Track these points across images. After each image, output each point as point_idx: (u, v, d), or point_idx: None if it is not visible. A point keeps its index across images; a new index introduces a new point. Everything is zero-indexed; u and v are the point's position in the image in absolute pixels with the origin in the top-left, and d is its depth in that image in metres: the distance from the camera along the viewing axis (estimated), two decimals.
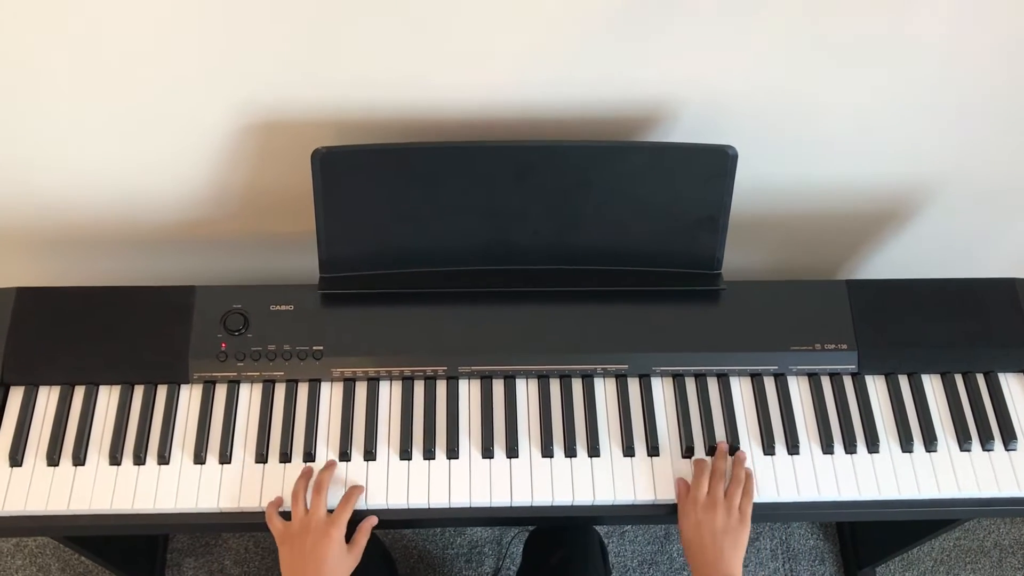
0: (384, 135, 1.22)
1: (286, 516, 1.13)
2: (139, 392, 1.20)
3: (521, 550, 1.56)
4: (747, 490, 1.14)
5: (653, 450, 1.19)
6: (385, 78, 1.14)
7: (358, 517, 1.14)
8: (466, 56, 1.11)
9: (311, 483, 1.13)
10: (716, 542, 1.09)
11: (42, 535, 1.61)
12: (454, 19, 1.04)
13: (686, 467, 1.18)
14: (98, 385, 1.21)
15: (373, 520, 1.14)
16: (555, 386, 1.22)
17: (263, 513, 1.14)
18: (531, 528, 1.57)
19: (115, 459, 1.16)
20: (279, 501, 1.14)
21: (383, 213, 1.20)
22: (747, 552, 1.85)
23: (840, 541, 1.89)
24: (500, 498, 1.16)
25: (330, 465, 1.16)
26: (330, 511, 1.11)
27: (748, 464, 1.18)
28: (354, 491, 1.13)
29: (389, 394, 1.22)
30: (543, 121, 1.22)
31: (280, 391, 1.21)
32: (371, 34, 1.06)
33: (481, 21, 1.05)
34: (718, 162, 1.17)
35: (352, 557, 1.10)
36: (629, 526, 1.88)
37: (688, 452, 1.19)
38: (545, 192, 1.19)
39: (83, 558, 1.82)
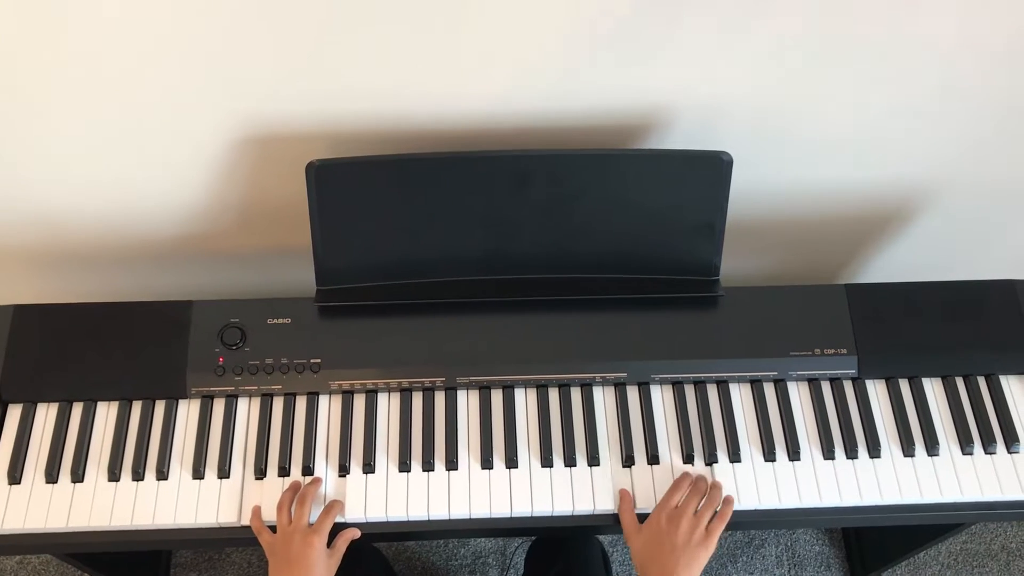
0: (378, 147, 1.22)
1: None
2: (137, 408, 1.20)
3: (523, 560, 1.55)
4: (722, 513, 1.12)
5: (653, 458, 1.18)
6: (379, 90, 1.13)
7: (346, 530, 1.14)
8: (461, 67, 1.10)
9: (296, 496, 1.13)
10: (672, 556, 1.05)
11: (42, 552, 1.61)
12: (449, 31, 1.04)
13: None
14: (96, 401, 1.21)
15: (355, 532, 1.14)
16: (554, 395, 1.22)
17: None
18: (533, 538, 1.57)
19: (114, 475, 1.16)
20: (258, 510, 1.14)
21: (379, 225, 1.20)
22: (752, 558, 1.86)
23: (846, 546, 1.88)
24: (500, 509, 1.15)
25: (316, 481, 1.16)
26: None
27: (748, 472, 1.17)
28: (335, 503, 1.14)
29: (387, 406, 1.21)
30: (538, 130, 1.22)
31: (278, 405, 1.21)
32: (365, 46, 1.06)
33: (477, 32, 1.05)
34: (713, 169, 1.17)
35: (334, 561, 1.11)
36: None
37: (688, 459, 1.19)
38: (541, 201, 1.19)
39: (86, 574, 1.81)
